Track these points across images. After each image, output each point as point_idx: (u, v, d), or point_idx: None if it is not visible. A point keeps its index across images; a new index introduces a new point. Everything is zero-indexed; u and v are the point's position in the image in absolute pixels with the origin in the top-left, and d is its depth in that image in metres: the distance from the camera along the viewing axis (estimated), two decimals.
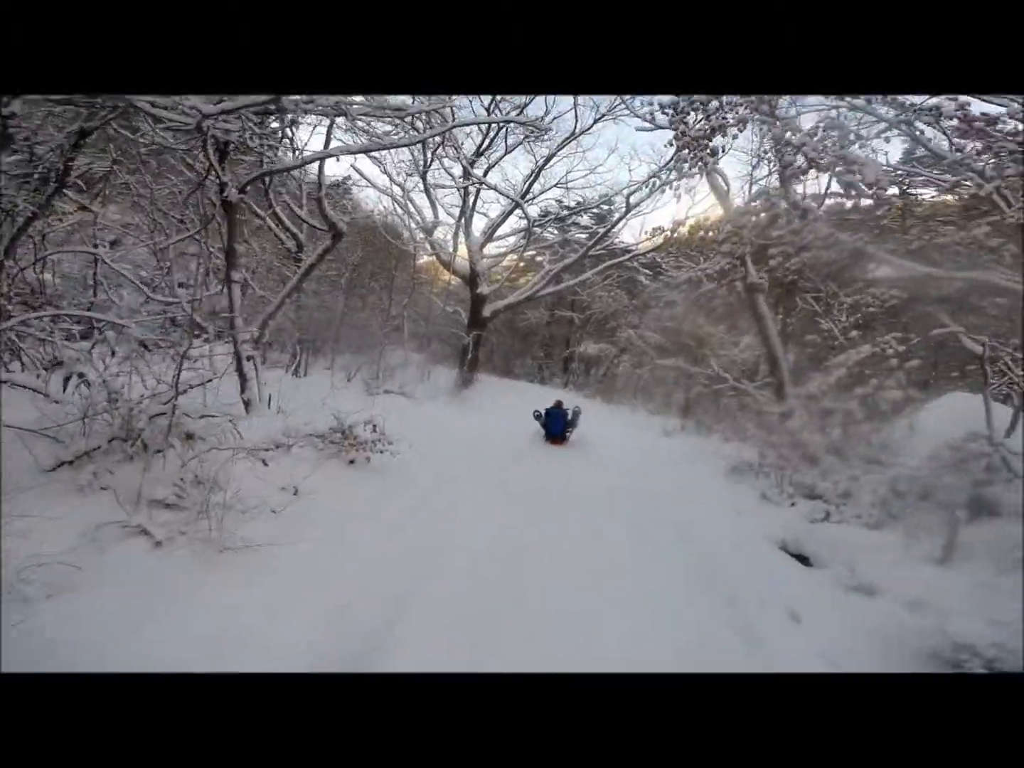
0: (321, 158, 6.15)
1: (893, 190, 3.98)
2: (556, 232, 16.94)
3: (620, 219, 13.87)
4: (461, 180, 12.49)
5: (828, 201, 4.96)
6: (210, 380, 3.79)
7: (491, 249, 15.16)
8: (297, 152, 6.99)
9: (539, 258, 17.66)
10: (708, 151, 4.03)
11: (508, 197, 12.98)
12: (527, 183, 13.55)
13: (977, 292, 3.88)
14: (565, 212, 15.59)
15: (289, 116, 4.57)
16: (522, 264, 17.38)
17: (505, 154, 13.39)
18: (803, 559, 3.83)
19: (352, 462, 4.47)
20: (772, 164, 8.17)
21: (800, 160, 3.98)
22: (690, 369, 10.25)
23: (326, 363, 11.01)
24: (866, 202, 4.56)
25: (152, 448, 3.14)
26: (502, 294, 15.30)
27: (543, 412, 8.40)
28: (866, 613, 2.97)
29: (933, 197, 6.34)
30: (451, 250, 13.81)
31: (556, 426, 8.34)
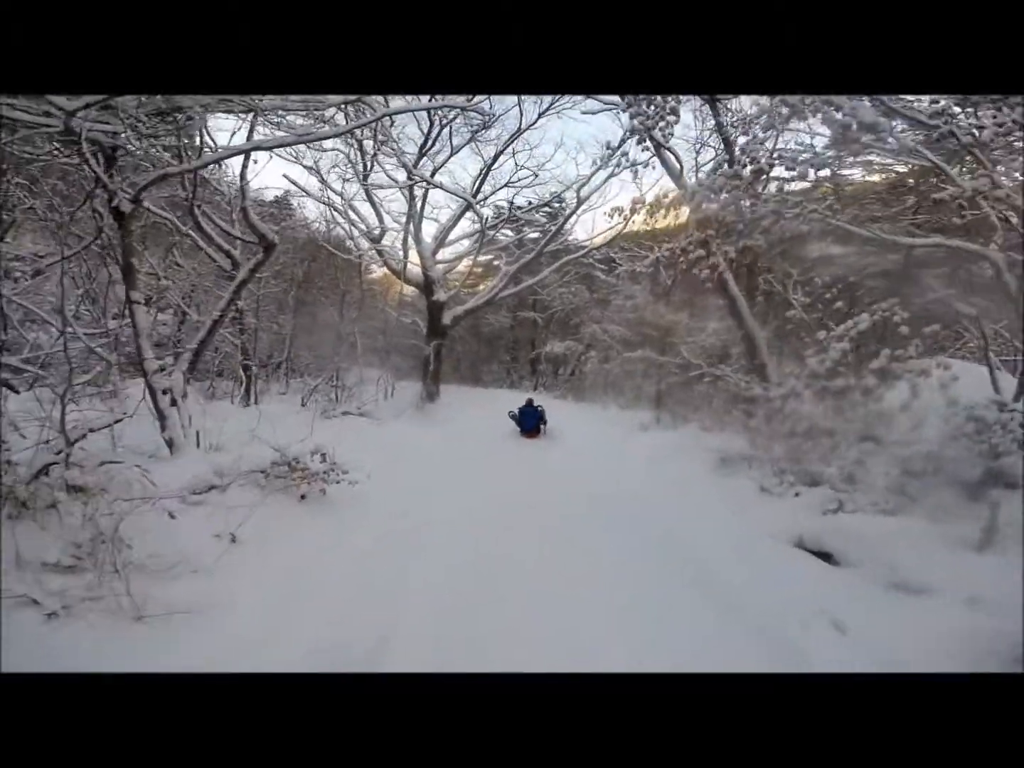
0: (226, 157, 5.51)
1: (825, 172, 4.22)
2: (511, 233, 16.52)
3: (571, 213, 13.89)
4: (406, 182, 11.89)
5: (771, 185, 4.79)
6: (118, 420, 3.16)
7: (445, 254, 14.49)
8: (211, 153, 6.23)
9: (496, 261, 17.26)
10: (665, 122, 3.70)
11: (459, 196, 12.50)
12: (477, 182, 13.08)
13: (952, 259, 3.68)
14: (517, 212, 15.17)
15: (186, 115, 3.92)
16: (479, 270, 16.87)
17: (451, 155, 13.09)
18: (825, 556, 3.44)
19: (303, 497, 3.87)
20: (718, 151, 8.37)
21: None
22: (658, 359, 9.98)
23: (280, 388, 10.29)
24: (802, 185, 4.60)
25: (41, 504, 2.78)
26: (461, 299, 14.79)
27: (517, 411, 9.79)
28: (919, 615, 2.58)
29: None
30: (401, 258, 13.43)
31: (529, 422, 9.68)
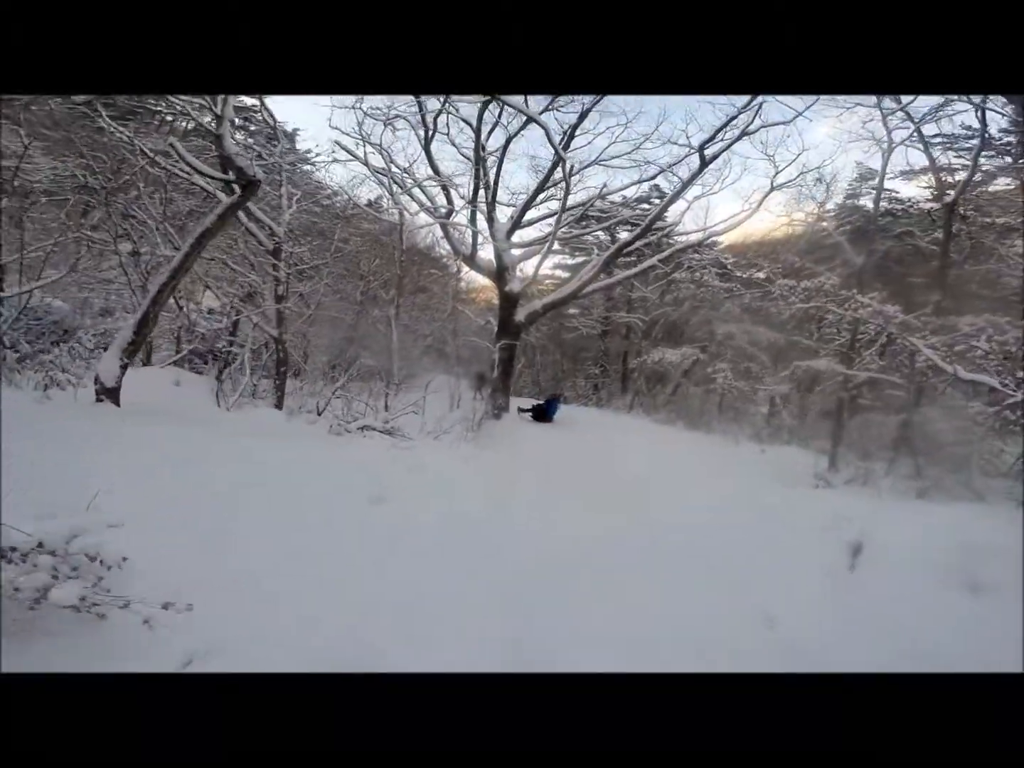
0: None
1: None
2: (601, 235, 13.77)
3: (687, 184, 11.48)
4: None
5: None
6: None
7: (522, 236, 12.05)
8: None
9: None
10: None
11: (536, 122, 10.23)
12: (566, 135, 11.33)
13: None
14: (610, 211, 12.53)
15: None
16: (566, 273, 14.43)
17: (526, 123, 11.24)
18: None
19: None
20: None
21: None
22: (852, 373, 6.34)
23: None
24: None
25: None
26: (539, 293, 12.01)
27: (539, 404, 11.63)
28: None
29: None
30: (469, 241, 12.07)
31: (552, 410, 11.37)
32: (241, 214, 7.31)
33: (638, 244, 12.59)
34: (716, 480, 7.58)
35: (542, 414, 11.21)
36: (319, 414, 7.56)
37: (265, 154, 8.93)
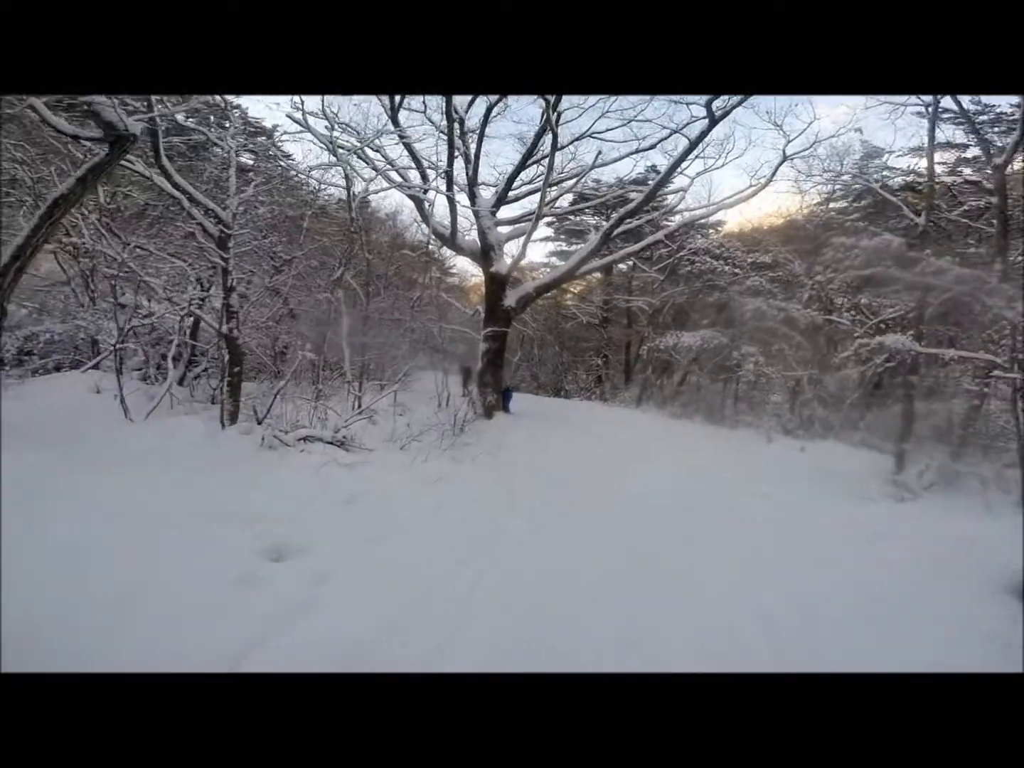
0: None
1: None
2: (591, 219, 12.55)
3: (684, 155, 10.05)
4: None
5: None
6: None
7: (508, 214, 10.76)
8: None
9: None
10: None
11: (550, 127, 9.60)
12: (554, 100, 9.90)
13: None
14: (604, 192, 11.28)
15: None
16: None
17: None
18: None
19: None
20: None
21: None
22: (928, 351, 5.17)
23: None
24: None
25: None
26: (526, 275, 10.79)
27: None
28: None
29: None
30: (448, 220, 11.11)
31: (507, 400, 11.43)
32: (183, 199, 6.54)
33: (637, 222, 11.15)
34: (773, 496, 5.99)
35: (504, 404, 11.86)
36: (259, 422, 6.07)
37: (215, 137, 7.67)
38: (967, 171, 11.84)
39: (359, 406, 7.72)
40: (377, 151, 10.67)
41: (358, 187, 9.08)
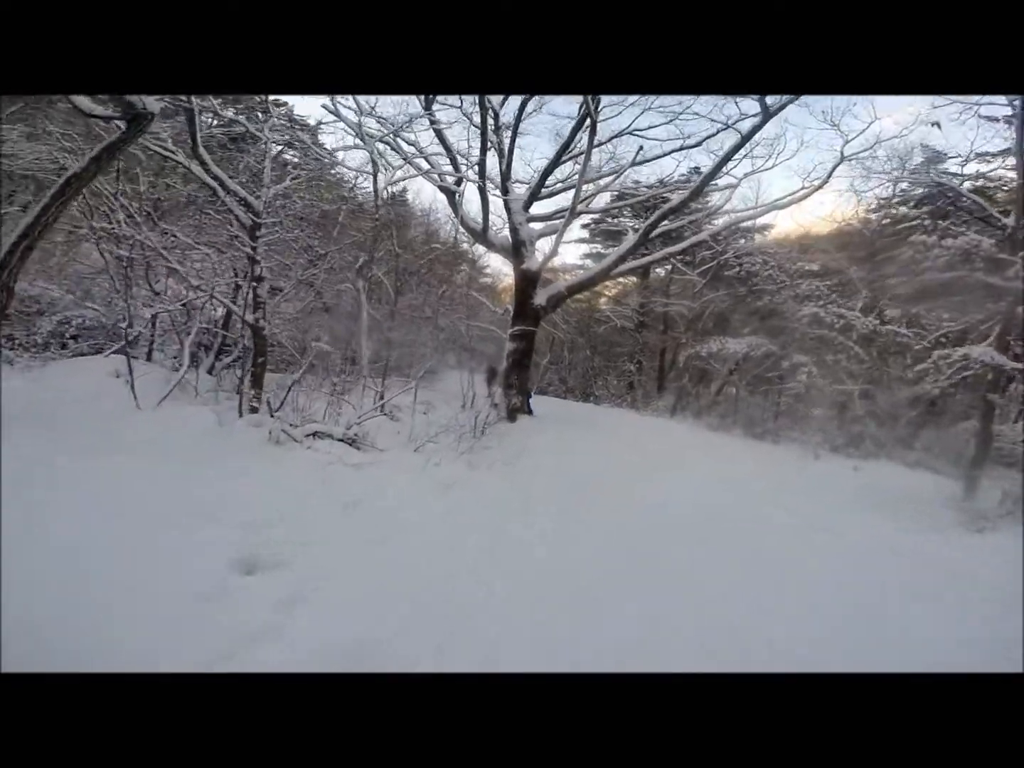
0: None
1: None
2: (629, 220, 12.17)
3: (733, 151, 9.48)
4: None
5: None
6: None
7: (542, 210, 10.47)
8: None
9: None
10: None
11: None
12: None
13: None
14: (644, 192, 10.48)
15: None
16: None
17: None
18: None
19: None
20: None
21: None
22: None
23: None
24: None
25: None
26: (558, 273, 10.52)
27: None
28: None
29: None
30: (480, 217, 10.44)
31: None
32: (218, 187, 6.74)
33: (679, 222, 10.62)
34: (834, 528, 5.33)
35: None
36: (272, 415, 5.92)
37: (254, 128, 7.74)
38: None
39: (376, 402, 7.57)
40: (411, 145, 10.60)
41: (386, 175, 8.98)
